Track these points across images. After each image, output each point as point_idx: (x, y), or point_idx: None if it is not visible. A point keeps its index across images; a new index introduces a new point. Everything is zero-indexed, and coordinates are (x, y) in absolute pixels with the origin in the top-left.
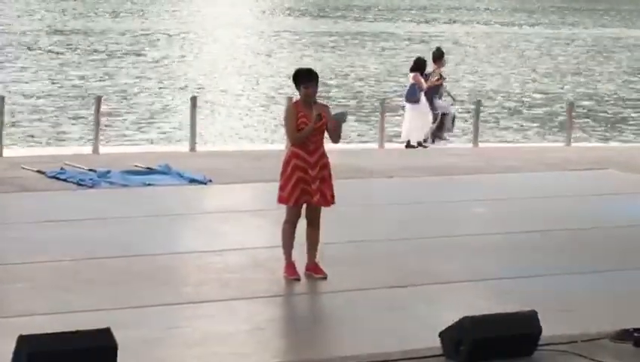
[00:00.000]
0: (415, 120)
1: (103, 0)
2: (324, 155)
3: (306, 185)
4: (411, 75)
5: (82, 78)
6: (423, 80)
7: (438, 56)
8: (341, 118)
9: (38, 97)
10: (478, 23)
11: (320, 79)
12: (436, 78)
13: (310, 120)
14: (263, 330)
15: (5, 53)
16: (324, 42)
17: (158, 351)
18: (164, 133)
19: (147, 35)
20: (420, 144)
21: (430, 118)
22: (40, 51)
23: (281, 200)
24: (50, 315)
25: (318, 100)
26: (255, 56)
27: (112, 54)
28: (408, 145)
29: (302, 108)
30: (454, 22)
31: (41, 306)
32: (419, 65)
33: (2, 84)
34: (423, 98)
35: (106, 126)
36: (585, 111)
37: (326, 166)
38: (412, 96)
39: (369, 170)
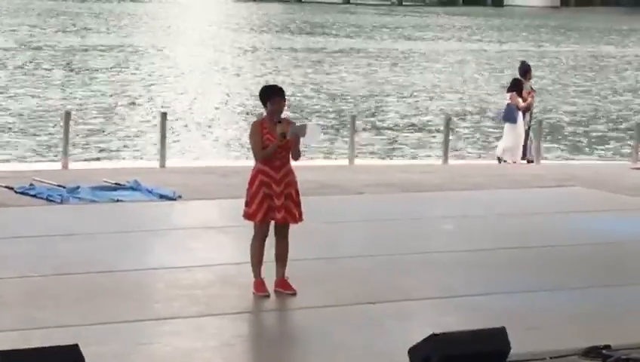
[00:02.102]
0: (511, 139)
1: (73, 16)
2: (290, 172)
3: (271, 201)
4: (508, 94)
5: (52, 93)
6: (520, 99)
7: (526, 70)
8: (299, 132)
9: (10, 113)
10: (452, 39)
11: (292, 95)
12: (527, 91)
13: (275, 136)
14: (231, 347)
15: None
16: (297, 58)
17: None
18: (134, 148)
19: (118, 51)
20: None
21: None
22: (11, 68)
23: (246, 216)
24: (17, 331)
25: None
26: (225, 73)
27: (83, 70)
28: (500, 161)
29: (267, 124)
30: (432, 39)
31: (8, 322)
32: (516, 85)
33: None
34: (520, 117)
35: (74, 141)
36: (554, 128)
37: (292, 183)
38: (509, 116)
39: (339, 186)
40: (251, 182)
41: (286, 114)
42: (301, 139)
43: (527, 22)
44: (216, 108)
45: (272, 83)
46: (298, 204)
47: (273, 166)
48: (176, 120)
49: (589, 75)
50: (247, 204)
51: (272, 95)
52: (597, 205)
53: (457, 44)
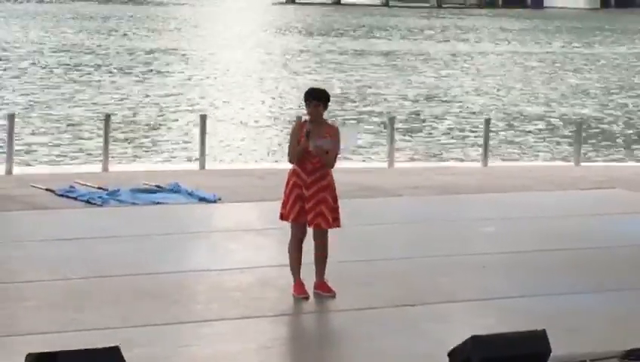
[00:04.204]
0: None
1: (116, 20)
2: (324, 177)
3: (302, 203)
4: None
5: (93, 96)
6: None
7: None
8: (324, 146)
9: (50, 114)
10: (492, 42)
11: (333, 97)
12: None
13: (313, 138)
14: (270, 349)
15: (17, 71)
16: (336, 61)
17: None
18: (174, 151)
19: (156, 54)
20: None
21: None
22: (50, 69)
23: (282, 217)
24: (59, 333)
25: (333, 120)
26: (265, 75)
27: (121, 73)
28: None
29: (306, 127)
30: (465, 40)
31: (50, 324)
32: None
33: (14, 102)
34: None
35: (115, 144)
36: (595, 130)
37: (326, 188)
38: None
39: (378, 188)
40: (286, 184)
41: (327, 115)
42: (341, 143)
43: (567, 23)
44: (256, 111)
45: (311, 86)
46: (334, 210)
47: (304, 169)
48: (216, 122)
49: (631, 76)
50: (282, 205)
51: (308, 98)
52: (636, 207)
53: (498, 47)
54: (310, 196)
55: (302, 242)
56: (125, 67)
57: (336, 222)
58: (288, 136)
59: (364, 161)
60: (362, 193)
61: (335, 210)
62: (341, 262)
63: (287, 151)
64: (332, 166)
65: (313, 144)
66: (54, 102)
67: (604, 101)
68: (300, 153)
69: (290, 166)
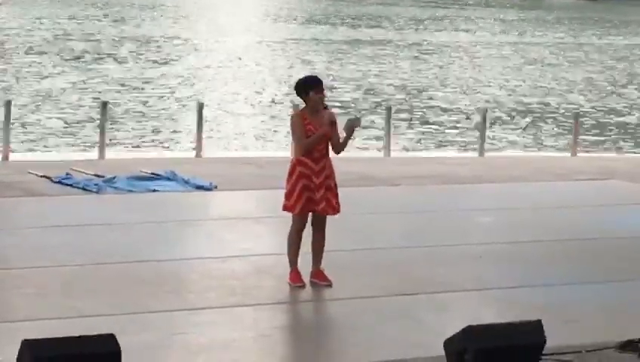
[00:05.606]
0: None
1: (113, 7)
2: (328, 164)
3: (310, 193)
4: None
5: (90, 83)
6: None
7: None
8: (355, 124)
9: (46, 100)
10: (490, 32)
11: (332, 87)
12: None
13: (316, 127)
14: (267, 337)
15: (13, 58)
16: (336, 50)
17: (162, 358)
18: (170, 139)
19: (153, 41)
20: None
21: None
22: (46, 56)
23: (286, 208)
24: (54, 320)
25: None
26: (265, 64)
27: (118, 60)
28: None
29: (308, 115)
30: (464, 30)
31: (46, 311)
32: None
33: (13, 89)
34: None
35: (111, 131)
36: (592, 121)
37: (331, 175)
38: None
39: (376, 178)
40: (290, 174)
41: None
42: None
43: (565, 14)
44: (254, 100)
45: (309, 75)
46: (337, 196)
47: (312, 158)
48: (213, 110)
49: (628, 67)
50: (286, 196)
51: (315, 84)
52: (634, 198)
53: (496, 37)
54: (320, 184)
55: (302, 232)
56: (123, 54)
57: (339, 207)
58: (284, 125)
59: (361, 150)
60: (359, 182)
61: (337, 196)
62: (338, 251)
63: (293, 141)
64: (343, 150)
65: (350, 123)
66: (53, 89)
67: (602, 92)
68: (316, 142)
69: (287, 155)
